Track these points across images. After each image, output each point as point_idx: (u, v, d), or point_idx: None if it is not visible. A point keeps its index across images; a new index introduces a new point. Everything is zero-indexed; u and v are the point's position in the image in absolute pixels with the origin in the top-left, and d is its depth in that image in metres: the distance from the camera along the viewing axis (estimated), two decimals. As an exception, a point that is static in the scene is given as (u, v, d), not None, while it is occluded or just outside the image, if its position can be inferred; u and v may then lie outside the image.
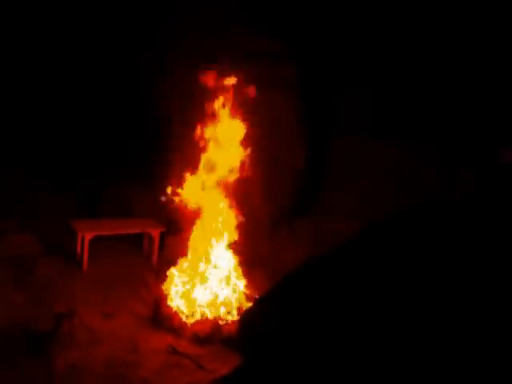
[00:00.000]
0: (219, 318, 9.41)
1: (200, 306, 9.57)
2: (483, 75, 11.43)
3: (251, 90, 10.66)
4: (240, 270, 10.22)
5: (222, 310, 9.54)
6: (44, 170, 12.62)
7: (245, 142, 10.81)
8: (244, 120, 10.60)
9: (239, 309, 9.57)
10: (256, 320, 4.32)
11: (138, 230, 12.04)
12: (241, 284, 10.08)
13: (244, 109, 11.10)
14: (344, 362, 3.43)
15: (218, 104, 10.47)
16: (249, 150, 10.51)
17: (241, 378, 4.19)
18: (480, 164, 10.97)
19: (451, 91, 11.60)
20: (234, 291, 9.92)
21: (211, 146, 10.42)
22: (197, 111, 11.14)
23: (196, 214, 10.32)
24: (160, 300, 9.84)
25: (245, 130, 10.46)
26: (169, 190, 10.28)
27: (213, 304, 9.59)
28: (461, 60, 11.62)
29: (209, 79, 10.72)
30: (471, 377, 3.05)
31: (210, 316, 9.39)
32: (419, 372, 3.16)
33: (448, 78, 11.71)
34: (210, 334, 9.12)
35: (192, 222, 10.42)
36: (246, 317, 4.51)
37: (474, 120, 11.37)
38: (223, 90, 10.65)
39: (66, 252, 11.36)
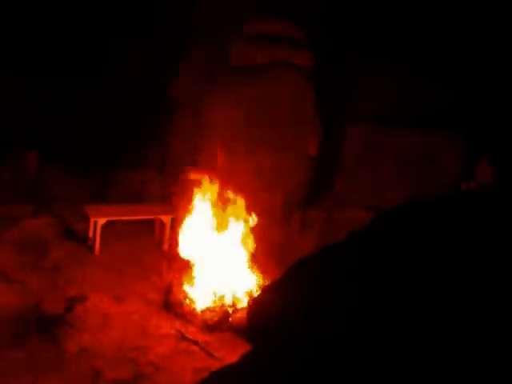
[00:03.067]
0: (229, 305, 9.55)
1: (210, 293, 9.71)
2: (507, 62, 11.36)
3: None
4: (251, 257, 10.33)
5: (232, 297, 9.69)
6: (58, 155, 12.74)
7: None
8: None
9: (249, 297, 9.70)
10: (265, 308, 4.36)
11: (149, 216, 12.18)
12: (252, 272, 10.20)
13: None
14: (353, 351, 3.44)
15: None
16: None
17: (248, 366, 4.24)
18: (500, 153, 10.94)
19: (473, 78, 11.52)
20: (245, 279, 10.05)
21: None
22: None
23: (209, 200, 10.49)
24: (171, 286, 10.00)
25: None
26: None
27: (223, 292, 9.73)
28: (481, 47, 11.55)
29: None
30: (471, 377, 3.07)
31: (219, 304, 9.54)
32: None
33: (469, 64, 11.64)
34: (220, 322, 9.27)
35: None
36: (255, 305, 4.56)
37: (496, 108, 11.30)
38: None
39: (78, 237, 11.53)
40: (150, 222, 12.33)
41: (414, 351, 3.24)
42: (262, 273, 10.27)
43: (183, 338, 8.94)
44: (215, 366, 7.81)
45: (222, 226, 10.37)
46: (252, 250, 10.36)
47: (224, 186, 10.62)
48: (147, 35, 12.84)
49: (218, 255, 10.15)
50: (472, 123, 11.22)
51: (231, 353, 8.10)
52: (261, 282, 10.07)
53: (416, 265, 3.74)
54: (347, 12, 12.16)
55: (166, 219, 11.86)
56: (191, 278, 10.02)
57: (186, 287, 9.87)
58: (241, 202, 10.42)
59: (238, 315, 9.26)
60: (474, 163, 11.36)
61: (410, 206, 4.53)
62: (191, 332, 9.09)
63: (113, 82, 13.11)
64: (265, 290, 4.85)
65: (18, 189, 11.97)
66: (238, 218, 10.38)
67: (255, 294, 9.59)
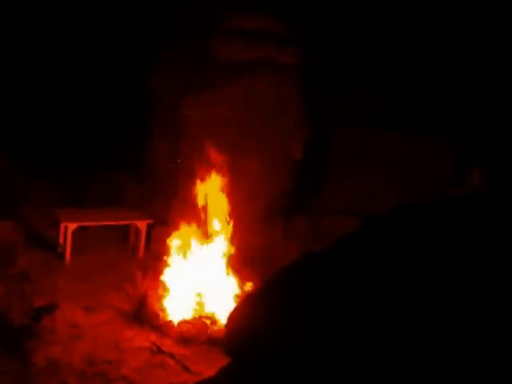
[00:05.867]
0: (207, 317, 9.55)
1: (187, 304, 9.71)
2: (496, 64, 11.50)
3: None
4: (231, 267, 10.35)
5: (211, 309, 9.69)
6: (27, 156, 12.70)
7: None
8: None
9: (228, 308, 9.70)
10: (242, 322, 4.37)
11: (124, 222, 12.15)
12: (231, 282, 10.22)
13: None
14: (335, 363, 3.46)
15: None
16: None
17: (225, 381, 4.26)
18: (493, 158, 11.06)
19: (464, 78, 11.66)
20: (225, 290, 10.06)
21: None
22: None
23: (187, 207, 10.49)
24: (145, 296, 9.99)
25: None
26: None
27: (201, 303, 9.74)
28: (473, 49, 11.69)
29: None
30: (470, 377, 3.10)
31: (197, 315, 9.54)
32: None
33: (459, 65, 11.78)
34: (197, 334, 9.25)
35: (182, 215, 10.59)
36: (232, 318, 4.57)
37: (488, 110, 11.43)
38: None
39: (48, 242, 11.49)
40: (125, 228, 12.31)
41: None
42: (243, 283, 10.29)
43: (158, 350, 8.93)
44: (192, 380, 7.84)
45: (201, 232, 10.38)
46: (232, 259, 10.38)
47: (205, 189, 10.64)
48: (123, 32, 12.89)
49: (197, 265, 10.16)
50: (463, 128, 11.33)
51: (209, 367, 8.09)
52: (241, 292, 10.08)
53: (409, 274, 3.75)
54: (337, 10, 12.24)
55: (142, 225, 11.83)
56: (167, 289, 10.01)
57: (162, 298, 9.85)
58: (222, 207, 10.45)
59: (217, 327, 9.27)
60: (465, 168, 11.48)
61: (400, 211, 4.54)
62: (167, 345, 9.07)
63: (87, 78, 13.13)
64: (243, 303, 4.85)
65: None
66: (218, 225, 10.41)
67: (234, 306, 9.57)
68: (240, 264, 10.53)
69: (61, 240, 11.32)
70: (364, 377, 3.30)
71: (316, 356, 3.51)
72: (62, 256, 11.23)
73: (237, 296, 10.02)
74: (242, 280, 10.39)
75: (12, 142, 12.74)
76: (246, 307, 4.57)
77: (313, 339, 3.59)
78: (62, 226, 11.30)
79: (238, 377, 4.09)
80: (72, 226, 11.26)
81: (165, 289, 10.00)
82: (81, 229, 11.43)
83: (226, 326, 4.65)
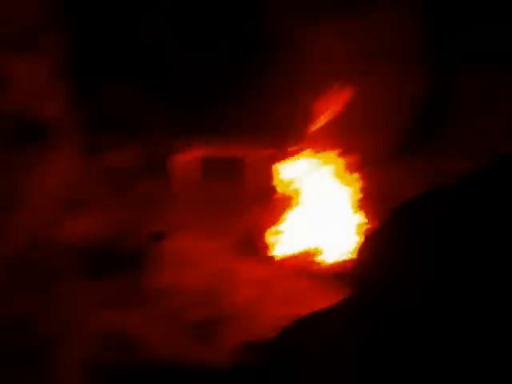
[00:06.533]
0: (321, 251, 9.49)
1: (301, 237, 9.65)
2: None
3: None
4: (353, 204, 10.22)
5: (325, 243, 9.59)
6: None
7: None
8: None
9: (345, 243, 9.62)
10: (364, 256, 4.34)
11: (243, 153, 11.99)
12: (350, 219, 10.08)
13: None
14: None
15: None
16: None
17: (349, 311, 4.23)
18: None
19: None
20: (343, 225, 9.99)
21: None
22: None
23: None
24: (260, 228, 9.96)
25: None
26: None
27: (316, 237, 9.66)
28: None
29: None
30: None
31: (312, 249, 9.51)
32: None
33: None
34: (310, 268, 9.23)
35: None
36: (362, 249, 4.51)
37: None
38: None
39: (164, 172, 11.51)
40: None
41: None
42: (364, 217, 10.14)
43: (268, 283, 8.95)
44: (301, 313, 7.75)
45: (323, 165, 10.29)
46: (355, 193, 10.23)
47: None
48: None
49: (317, 196, 10.06)
50: None
51: (322, 300, 7.99)
52: (362, 227, 9.91)
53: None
54: None
55: (257, 157, 11.66)
56: (284, 221, 9.96)
57: (278, 230, 9.79)
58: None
59: (329, 262, 9.21)
60: None
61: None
62: (278, 278, 9.07)
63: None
64: (371, 237, 4.78)
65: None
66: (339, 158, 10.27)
67: (360, 240, 9.41)
68: (362, 199, 10.37)
69: (178, 170, 11.29)
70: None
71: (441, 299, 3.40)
72: (177, 185, 11.23)
73: (359, 231, 9.85)
74: (364, 216, 10.24)
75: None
76: (375, 242, 4.47)
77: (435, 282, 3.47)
78: (181, 155, 11.26)
79: (363, 309, 4.02)
80: (189, 155, 11.21)
81: (279, 221, 9.96)
82: (196, 158, 11.39)
83: (355, 258, 4.65)
